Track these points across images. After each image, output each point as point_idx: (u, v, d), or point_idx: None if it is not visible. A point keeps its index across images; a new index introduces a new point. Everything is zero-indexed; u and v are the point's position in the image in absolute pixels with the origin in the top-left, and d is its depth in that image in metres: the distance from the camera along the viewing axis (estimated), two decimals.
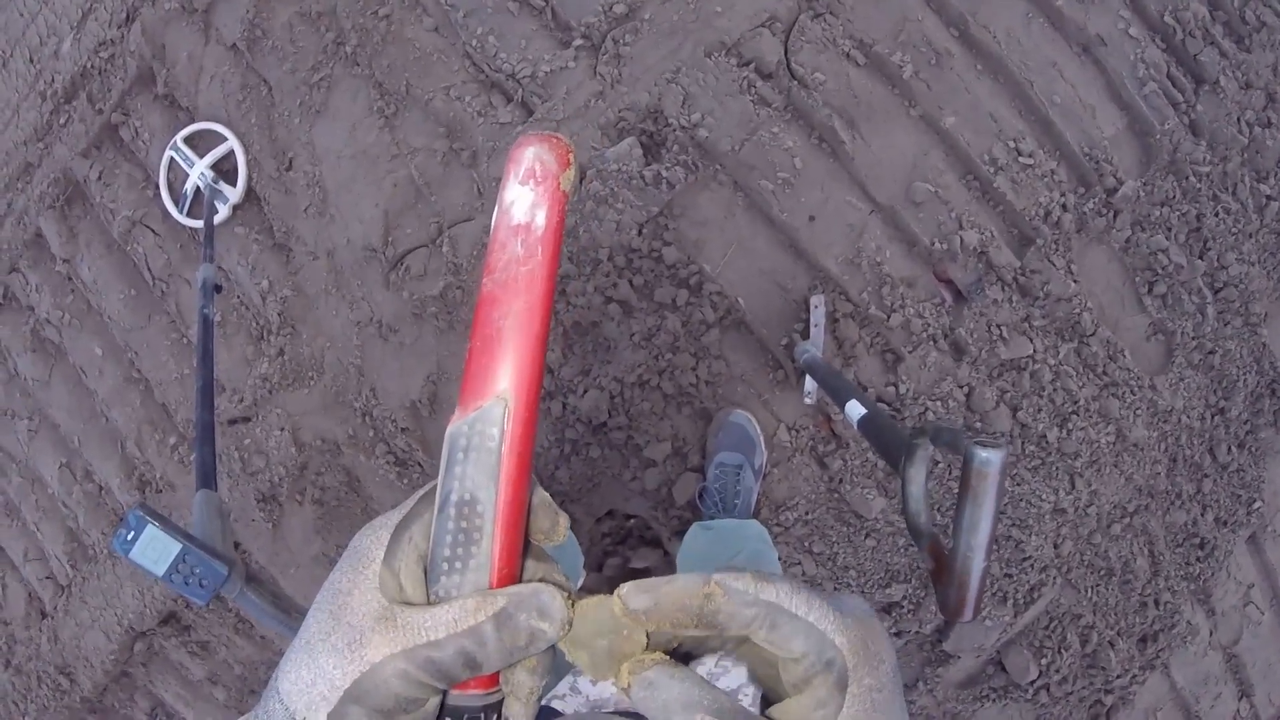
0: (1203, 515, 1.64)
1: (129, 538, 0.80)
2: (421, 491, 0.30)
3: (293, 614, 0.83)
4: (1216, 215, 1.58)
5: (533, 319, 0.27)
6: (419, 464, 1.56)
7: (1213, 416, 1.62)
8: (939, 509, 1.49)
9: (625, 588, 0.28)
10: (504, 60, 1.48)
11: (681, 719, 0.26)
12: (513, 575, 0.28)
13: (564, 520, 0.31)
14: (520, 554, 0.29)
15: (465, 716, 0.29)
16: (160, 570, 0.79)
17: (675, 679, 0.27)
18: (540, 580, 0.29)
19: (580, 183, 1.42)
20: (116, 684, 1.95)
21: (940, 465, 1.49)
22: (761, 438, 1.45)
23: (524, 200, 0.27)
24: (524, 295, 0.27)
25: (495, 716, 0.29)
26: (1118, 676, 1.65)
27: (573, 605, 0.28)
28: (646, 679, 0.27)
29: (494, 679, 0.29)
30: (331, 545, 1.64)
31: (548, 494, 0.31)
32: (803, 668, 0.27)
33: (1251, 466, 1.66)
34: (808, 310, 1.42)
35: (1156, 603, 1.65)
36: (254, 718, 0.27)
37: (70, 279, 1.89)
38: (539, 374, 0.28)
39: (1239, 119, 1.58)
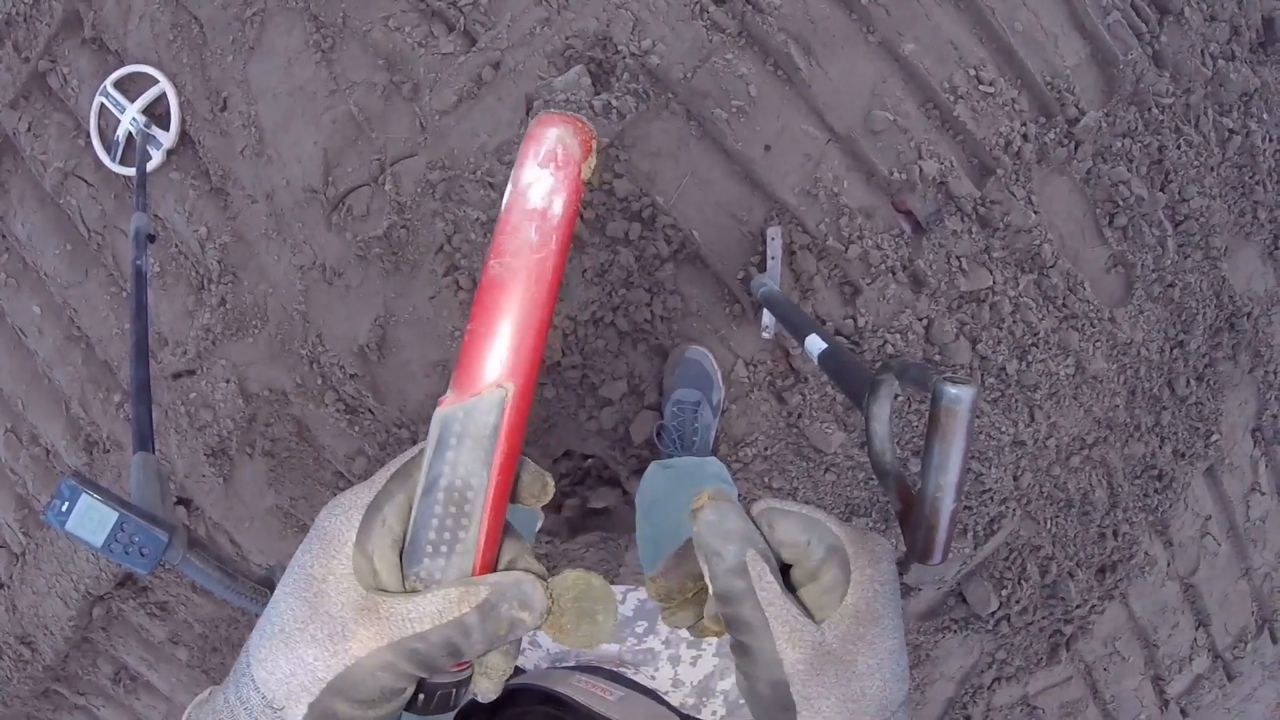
0: (1161, 448, 1.66)
1: (63, 509, 0.76)
2: (392, 469, 0.29)
3: (239, 578, 0.80)
4: (1179, 148, 1.56)
5: (539, 307, 0.26)
6: (369, 410, 1.52)
7: (1172, 349, 1.62)
8: (898, 442, 1.49)
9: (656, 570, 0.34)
10: None
11: (737, 548, 0.28)
12: (493, 557, 0.28)
13: (551, 483, 0.32)
14: (501, 535, 0.29)
15: (438, 694, 0.29)
16: (98, 541, 0.75)
17: (742, 517, 0.29)
18: (512, 560, 0.29)
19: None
20: (78, 650, 1.92)
21: (899, 399, 1.48)
22: (719, 374, 1.43)
23: (542, 184, 0.26)
24: (534, 283, 0.26)
25: (464, 690, 0.30)
26: (1077, 606, 1.68)
27: (548, 586, 0.28)
28: (719, 507, 0.29)
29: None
30: (285, 497, 1.61)
31: (531, 460, 0.31)
32: (810, 560, 0.30)
33: (1209, 400, 1.67)
34: (764, 243, 1.39)
35: (1115, 534, 1.67)
36: (227, 703, 0.26)
37: (4, 237, 1.81)
38: (539, 362, 0.27)
39: (1203, 51, 1.55)
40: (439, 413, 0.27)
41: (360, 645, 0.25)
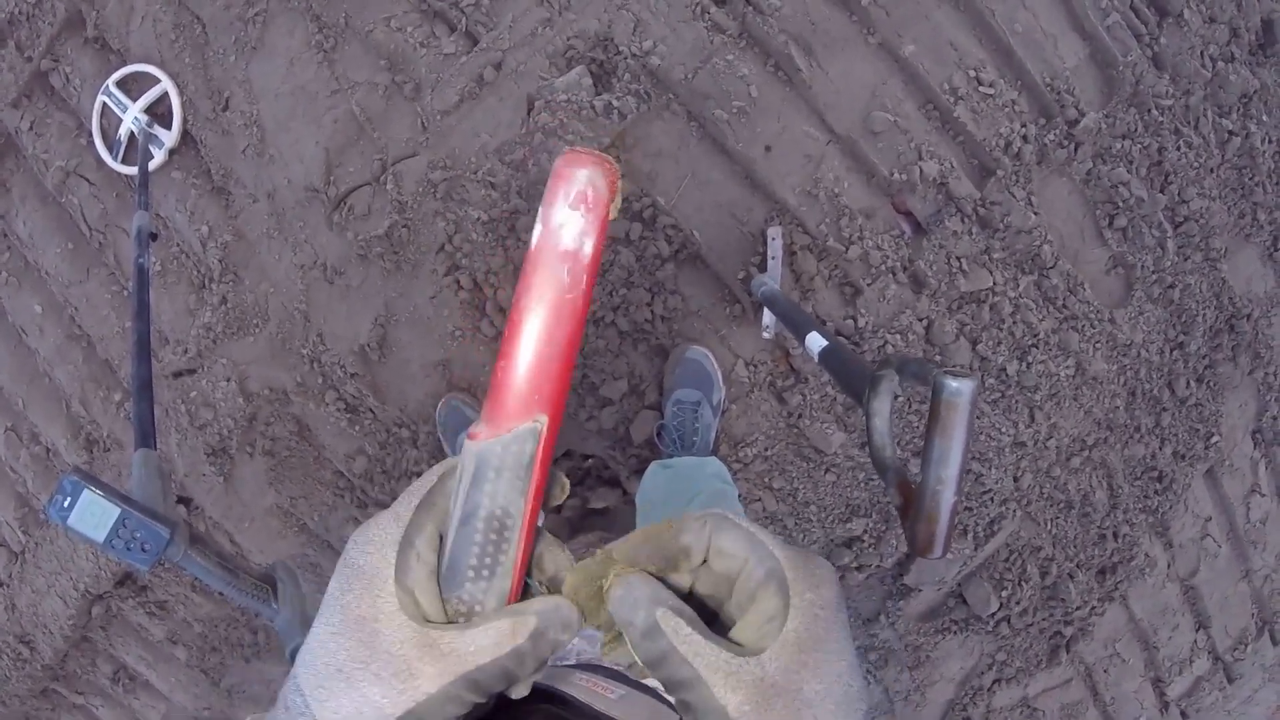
0: (1161, 449, 1.66)
1: (65, 504, 0.75)
2: (414, 500, 0.30)
3: (240, 574, 0.80)
4: (1178, 149, 1.57)
5: (568, 343, 0.28)
6: (370, 410, 1.53)
7: (1172, 351, 1.63)
8: (898, 443, 1.49)
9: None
10: None
11: (645, 612, 0.28)
12: (524, 571, 0.30)
13: (567, 483, 0.33)
14: (531, 548, 0.31)
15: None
16: (100, 537, 0.75)
17: (648, 583, 0.29)
18: (541, 554, 0.31)
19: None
20: (77, 649, 1.92)
21: (899, 399, 1.48)
22: (719, 374, 1.43)
23: (574, 226, 0.26)
24: (564, 322, 0.27)
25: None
26: (1077, 608, 1.68)
27: (573, 601, 0.30)
28: (626, 580, 0.30)
29: None
30: (285, 497, 1.61)
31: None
32: (749, 580, 0.29)
33: (1209, 401, 1.67)
34: (765, 243, 1.39)
35: (1115, 535, 1.67)
36: None
37: (5, 235, 1.81)
38: (567, 391, 0.29)
39: (1202, 53, 1.56)
40: (474, 448, 0.28)
41: (429, 682, 0.26)
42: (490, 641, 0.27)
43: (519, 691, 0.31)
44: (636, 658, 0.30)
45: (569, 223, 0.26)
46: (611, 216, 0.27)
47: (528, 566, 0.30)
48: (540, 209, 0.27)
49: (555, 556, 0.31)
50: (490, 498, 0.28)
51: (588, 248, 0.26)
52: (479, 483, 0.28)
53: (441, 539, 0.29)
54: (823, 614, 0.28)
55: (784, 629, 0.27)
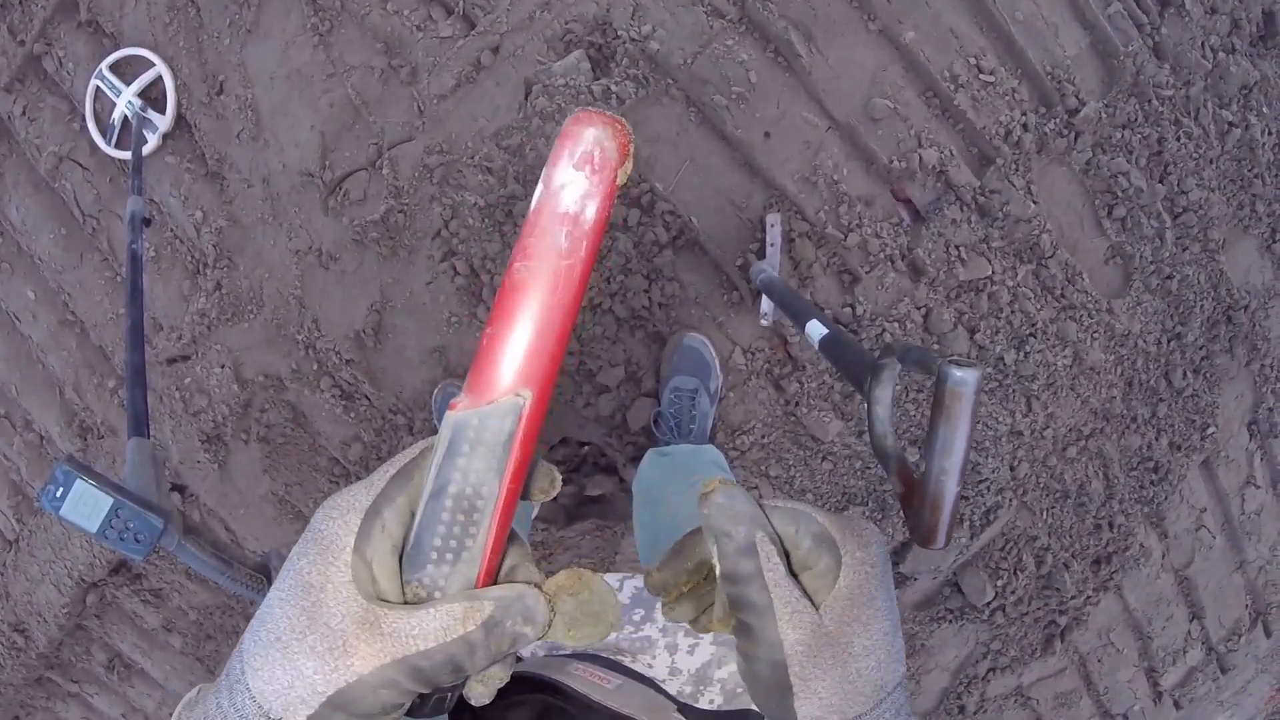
0: (1157, 439, 1.66)
1: (58, 494, 0.75)
2: (391, 471, 0.28)
3: (235, 564, 0.79)
4: (1178, 140, 1.56)
5: (563, 315, 0.26)
6: (365, 396, 1.52)
7: (1169, 341, 1.63)
8: (895, 433, 1.49)
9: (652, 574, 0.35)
10: None
11: (746, 529, 0.29)
12: (496, 564, 0.28)
13: (559, 478, 0.32)
14: (506, 542, 0.28)
15: (433, 698, 0.30)
16: (93, 526, 0.75)
17: (751, 502, 0.30)
18: (514, 568, 0.29)
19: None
20: (72, 638, 1.92)
21: (898, 386, 1.48)
22: (717, 361, 1.42)
23: (576, 187, 0.24)
24: (559, 290, 0.25)
25: (458, 692, 0.30)
26: (1072, 598, 1.68)
27: (549, 597, 0.28)
28: (731, 490, 0.30)
29: None
30: (280, 484, 1.60)
31: (539, 456, 0.31)
32: (801, 547, 0.30)
33: (1206, 392, 1.68)
34: (763, 229, 1.39)
35: (1110, 525, 1.67)
36: (220, 708, 0.26)
37: None
38: (558, 369, 0.27)
39: (1203, 43, 1.55)
40: (451, 417, 0.26)
41: (362, 662, 0.24)
42: (437, 626, 0.25)
43: (479, 697, 0.29)
44: (716, 564, 0.30)
45: (571, 183, 0.24)
46: (620, 182, 0.25)
47: (502, 557, 0.28)
48: (544, 169, 0.25)
49: (529, 571, 0.29)
50: (462, 473, 0.26)
51: (590, 212, 0.25)
52: (451, 456, 0.26)
53: (413, 517, 0.27)
54: (872, 571, 0.30)
55: (837, 584, 0.29)
